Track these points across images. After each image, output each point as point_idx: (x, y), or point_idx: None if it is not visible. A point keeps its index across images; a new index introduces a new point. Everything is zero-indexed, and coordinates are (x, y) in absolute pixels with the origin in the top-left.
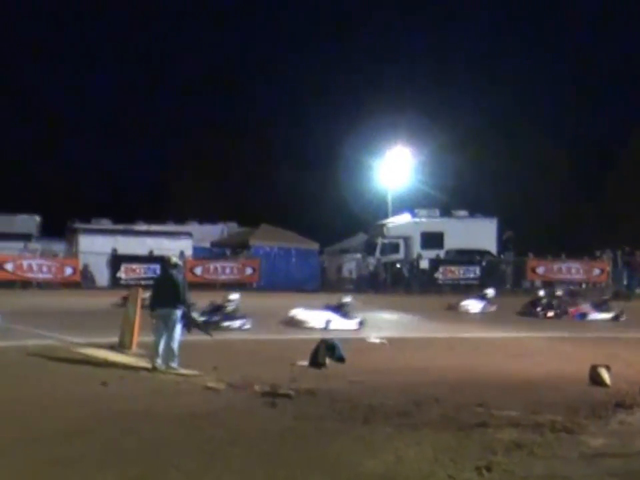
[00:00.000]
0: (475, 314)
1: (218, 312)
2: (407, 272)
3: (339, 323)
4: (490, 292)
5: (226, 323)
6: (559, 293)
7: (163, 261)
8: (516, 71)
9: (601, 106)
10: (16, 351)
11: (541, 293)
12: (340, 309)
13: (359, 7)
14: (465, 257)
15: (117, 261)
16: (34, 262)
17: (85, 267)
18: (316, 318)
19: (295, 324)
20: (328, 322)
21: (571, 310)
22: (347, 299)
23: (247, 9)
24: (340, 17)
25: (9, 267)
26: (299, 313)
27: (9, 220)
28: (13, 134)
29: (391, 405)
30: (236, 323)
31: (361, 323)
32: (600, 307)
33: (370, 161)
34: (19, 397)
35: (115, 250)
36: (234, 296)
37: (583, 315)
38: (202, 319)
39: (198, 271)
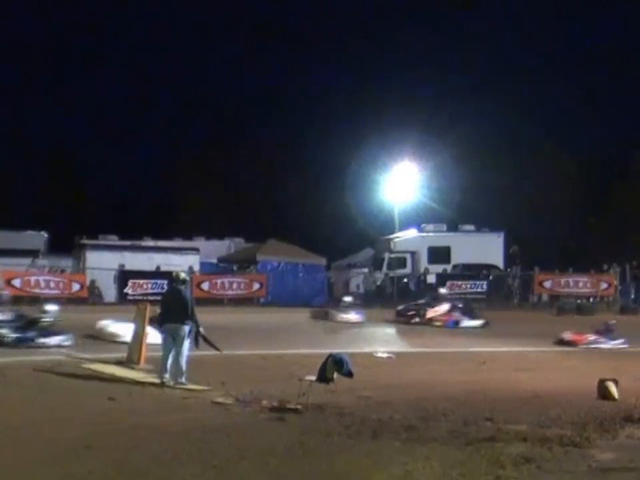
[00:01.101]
0: (355, 323)
1: (32, 327)
2: (414, 286)
3: (155, 337)
4: (348, 299)
5: (42, 340)
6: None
7: (171, 276)
8: (522, 85)
9: (608, 119)
10: (23, 367)
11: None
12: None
13: (363, 23)
14: (471, 271)
15: (124, 276)
16: (41, 278)
17: (92, 283)
18: (129, 331)
19: (105, 337)
20: None
21: (444, 318)
22: None
23: (251, 27)
24: (345, 34)
25: (16, 283)
26: (108, 325)
27: (16, 236)
28: (18, 150)
29: (399, 420)
30: (54, 339)
31: None
32: (470, 314)
33: (376, 176)
34: (26, 413)
35: (122, 266)
36: (50, 307)
37: (456, 323)
38: (13, 335)
39: (205, 286)
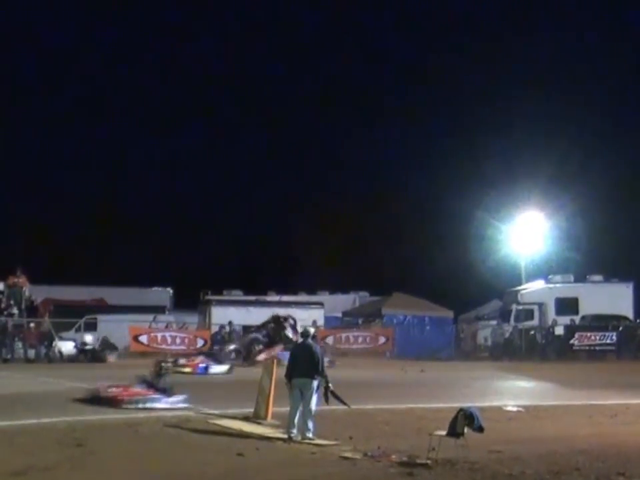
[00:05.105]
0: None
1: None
2: (542, 338)
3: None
4: None
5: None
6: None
7: (301, 332)
8: None
9: None
10: (154, 422)
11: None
12: None
13: (494, 73)
14: (601, 322)
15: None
16: (168, 334)
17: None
18: None
19: None
20: None
21: (192, 363)
22: None
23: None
24: (476, 86)
25: (143, 339)
26: None
27: (143, 293)
28: (147, 211)
29: (531, 475)
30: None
31: None
32: (216, 358)
33: (502, 226)
34: (156, 469)
35: (230, 322)
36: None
37: (205, 369)
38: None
39: (330, 340)
